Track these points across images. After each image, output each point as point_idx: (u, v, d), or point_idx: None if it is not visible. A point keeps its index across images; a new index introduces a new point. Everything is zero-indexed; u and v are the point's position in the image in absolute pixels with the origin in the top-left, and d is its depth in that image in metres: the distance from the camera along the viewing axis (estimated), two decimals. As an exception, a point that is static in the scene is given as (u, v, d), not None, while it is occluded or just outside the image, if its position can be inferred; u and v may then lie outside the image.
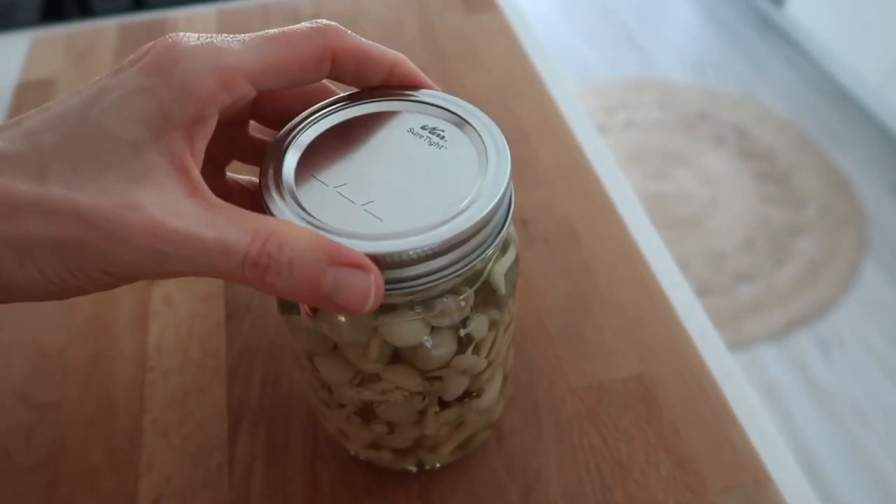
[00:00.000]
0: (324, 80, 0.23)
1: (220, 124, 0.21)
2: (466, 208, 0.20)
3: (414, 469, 0.30)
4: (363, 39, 0.23)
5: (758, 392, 0.32)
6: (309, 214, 0.20)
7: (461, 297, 0.22)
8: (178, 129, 0.19)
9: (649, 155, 1.67)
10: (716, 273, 1.41)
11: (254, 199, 0.23)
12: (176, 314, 0.37)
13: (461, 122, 0.23)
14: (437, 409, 0.25)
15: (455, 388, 0.25)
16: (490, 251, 0.21)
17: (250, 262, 0.18)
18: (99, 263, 0.18)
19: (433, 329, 0.22)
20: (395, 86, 0.24)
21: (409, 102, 0.23)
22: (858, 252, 1.44)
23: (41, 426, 0.33)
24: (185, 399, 0.34)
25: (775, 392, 1.23)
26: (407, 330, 0.22)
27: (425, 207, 0.20)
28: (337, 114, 0.23)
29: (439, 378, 0.24)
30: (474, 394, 0.26)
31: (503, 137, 0.22)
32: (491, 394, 0.27)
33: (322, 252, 0.19)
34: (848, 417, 1.19)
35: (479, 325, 0.23)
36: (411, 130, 0.23)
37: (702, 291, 1.35)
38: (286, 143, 0.22)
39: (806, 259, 1.43)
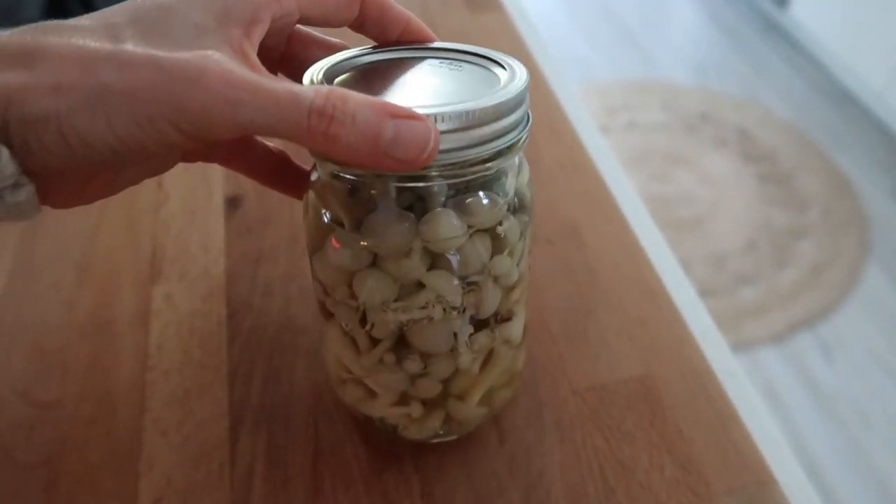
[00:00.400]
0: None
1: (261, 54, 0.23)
2: (502, 89, 0.22)
3: (441, 432, 0.29)
4: None
5: (759, 394, 0.32)
6: None
7: (497, 196, 0.24)
8: (239, 24, 0.21)
9: (651, 156, 1.67)
10: (717, 275, 1.41)
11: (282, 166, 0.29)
12: (177, 313, 0.37)
13: (477, 58, 0.25)
14: (470, 330, 0.26)
15: (490, 300, 0.26)
16: (524, 134, 0.23)
17: (316, 111, 0.19)
18: (170, 113, 0.19)
19: (471, 232, 0.24)
20: (411, 40, 0.27)
21: (427, 49, 0.26)
22: (860, 254, 1.44)
23: (41, 424, 0.33)
24: (186, 398, 0.34)
25: (776, 394, 1.22)
26: (446, 225, 0.23)
27: (463, 94, 0.23)
28: (362, 58, 0.26)
29: (476, 287, 0.25)
30: (505, 317, 0.27)
31: (520, 62, 0.24)
32: (518, 322, 0.28)
33: (382, 106, 0.20)
34: (849, 420, 1.19)
35: (511, 228, 0.25)
36: (432, 65, 0.25)
37: (703, 293, 1.35)
38: (319, 69, 0.24)
39: (808, 261, 1.43)
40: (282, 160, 0.30)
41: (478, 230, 0.24)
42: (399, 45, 0.27)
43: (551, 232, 0.40)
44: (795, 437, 1.15)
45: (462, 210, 0.23)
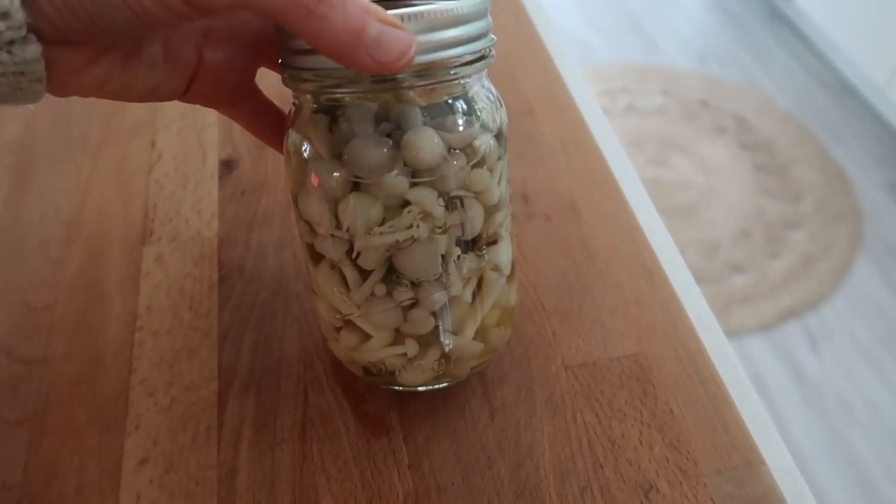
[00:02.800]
0: None
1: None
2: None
3: (439, 373, 0.29)
4: None
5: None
6: None
7: (471, 117, 0.25)
8: None
9: (648, 141, 1.66)
10: (709, 262, 1.41)
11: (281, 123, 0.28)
12: (167, 274, 0.37)
13: None
14: (457, 252, 0.26)
15: (474, 218, 0.26)
16: (489, 50, 0.25)
17: None
18: None
19: (448, 150, 0.25)
20: None
21: None
22: (852, 247, 1.44)
23: (26, 381, 0.33)
24: (175, 360, 0.33)
25: (762, 382, 1.23)
26: (426, 140, 0.24)
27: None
28: None
29: (458, 204, 0.25)
30: (490, 239, 0.28)
31: None
32: (505, 248, 0.29)
33: (372, 7, 0.20)
34: (832, 410, 1.20)
35: (487, 144, 0.26)
36: None
37: (694, 280, 1.35)
38: None
39: (800, 252, 1.43)
40: (282, 118, 0.30)
41: (454, 148, 0.25)
42: None
43: (549, 208, 0.40)
44: (779, 425, 1.16)
45: (438, 128, 0.24)
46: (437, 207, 0.25)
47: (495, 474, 0.30)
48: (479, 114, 0.26)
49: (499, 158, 0.27)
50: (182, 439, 0.31)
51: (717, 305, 1.33)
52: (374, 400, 0.32)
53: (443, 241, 0.26)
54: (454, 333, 0.28)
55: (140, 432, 0.31)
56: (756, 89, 1.80)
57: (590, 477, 0.29)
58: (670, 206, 1.51)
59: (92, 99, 0.45)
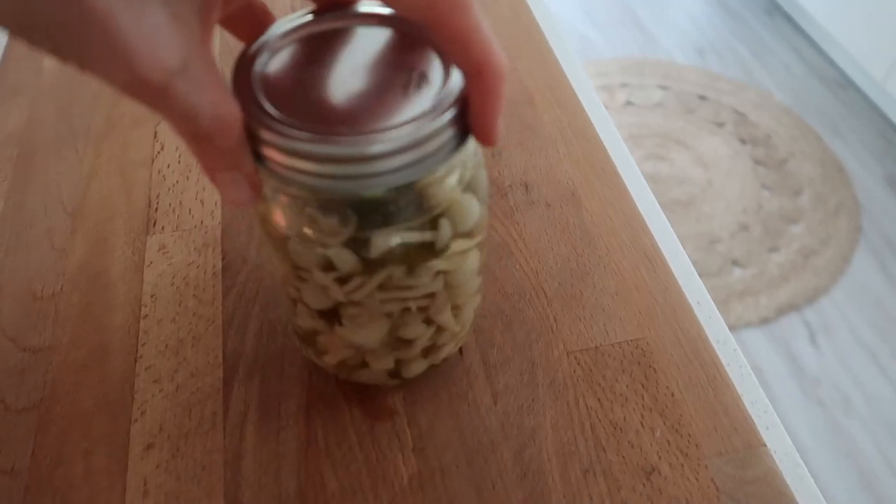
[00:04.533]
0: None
1: None
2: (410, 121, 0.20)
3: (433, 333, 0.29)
4: None
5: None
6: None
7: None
8: None
9: (647, 136, 1.66)
10: (708, 256, 1.41)
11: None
12: (171, 263, 0.37)
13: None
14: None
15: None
16: (423, 172, 0.21)
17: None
18: None
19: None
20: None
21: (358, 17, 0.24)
22: (851, 241, 1.45)
23: (32, 369, 0.33)
24: (180, 347, 0.33)
25: (761, 376, 1.24)
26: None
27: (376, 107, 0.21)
28: (289, 30, 0.23)
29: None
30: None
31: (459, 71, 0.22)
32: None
33: (208, 167, 0.21)
34: (832, 403, 1.20)
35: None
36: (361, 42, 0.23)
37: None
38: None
39: (798, 246, 1.44)
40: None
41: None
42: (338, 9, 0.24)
43: (549, 195, 0.40)
44: (778, 417, 1.16)
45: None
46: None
47: (499, 457, 0.30)
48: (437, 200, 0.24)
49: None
50: (188, 425, 0.31)
51: (717, 299, 1.34)
52: (377, 385, 0.32)
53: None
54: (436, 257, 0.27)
55: (146, 418, 0.31)
56: (755, 83, 1.80)
57: (592, 460, 0.30)
58: (669, 201, 1.51)
59: (95, 90, 0.45)
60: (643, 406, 0.31)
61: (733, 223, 1.48)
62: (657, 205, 0.42)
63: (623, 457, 0.30)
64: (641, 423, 0.31)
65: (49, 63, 0.49)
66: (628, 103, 1.75)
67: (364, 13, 0.24)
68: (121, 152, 0.43)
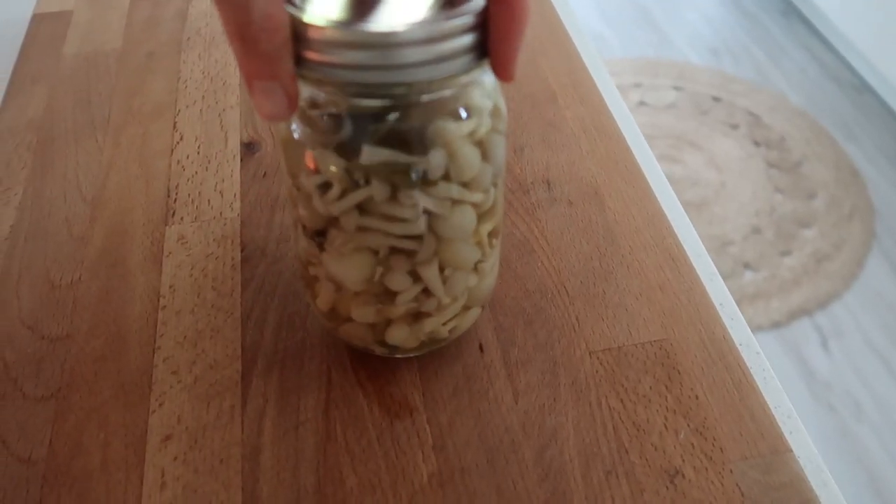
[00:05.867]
0: None
1: None
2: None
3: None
4: None
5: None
6: None
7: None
8: None
9: (660, 137, 1.65)
10: (720, 259, 1.40)
11: None
12: (190, 254, 0.37)
13: None
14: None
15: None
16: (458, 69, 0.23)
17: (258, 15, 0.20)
18: None
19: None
20: None
21: None
22: (864, 246, 1.43)
23: (50, 358, 0.33)
24: (198, 339, 0.33)
25: (772, 379, 1.23)
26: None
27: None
28: None
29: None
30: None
31: None
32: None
33: (249, 71, 0.21)
34: (842, 408, 1.19)
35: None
36: None
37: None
38: None
39: (811, 250, 1.42)
40: None
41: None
42: None
43: (572, 193, 0.40)
44: (801, 423, 1.16)
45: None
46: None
47: (520, 457, 0.29)
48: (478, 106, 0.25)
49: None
50: (206, 417, 0.31)
51: (728, 301, 1.33)
52: (397, 381, 0.32)
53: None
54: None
55: (164, 409, 0.31)
56: (769, 85, 1.79)
57: (615, 461, 0.29)
58: (682, 202, 1.50)
59: (113, 79, 0.45)
60: (667, 408, 0.31)
61: (746, 226, 1.47)
62: (679, 204, 0.41)
63: (646, 459, 0.29)
64: (665, 426, 0.30)
65: (68, 51, 0.49)
66: (641, 103, 1.74)
67: None
68: (140, 142, 0.43)
